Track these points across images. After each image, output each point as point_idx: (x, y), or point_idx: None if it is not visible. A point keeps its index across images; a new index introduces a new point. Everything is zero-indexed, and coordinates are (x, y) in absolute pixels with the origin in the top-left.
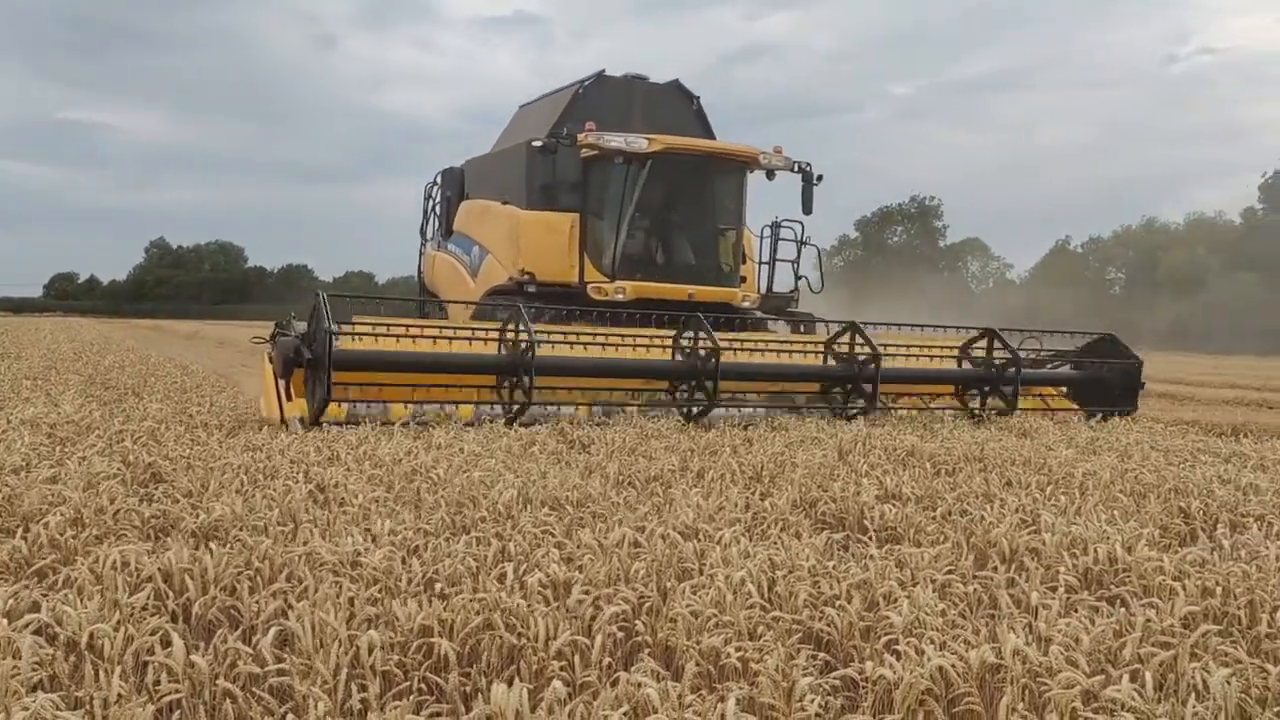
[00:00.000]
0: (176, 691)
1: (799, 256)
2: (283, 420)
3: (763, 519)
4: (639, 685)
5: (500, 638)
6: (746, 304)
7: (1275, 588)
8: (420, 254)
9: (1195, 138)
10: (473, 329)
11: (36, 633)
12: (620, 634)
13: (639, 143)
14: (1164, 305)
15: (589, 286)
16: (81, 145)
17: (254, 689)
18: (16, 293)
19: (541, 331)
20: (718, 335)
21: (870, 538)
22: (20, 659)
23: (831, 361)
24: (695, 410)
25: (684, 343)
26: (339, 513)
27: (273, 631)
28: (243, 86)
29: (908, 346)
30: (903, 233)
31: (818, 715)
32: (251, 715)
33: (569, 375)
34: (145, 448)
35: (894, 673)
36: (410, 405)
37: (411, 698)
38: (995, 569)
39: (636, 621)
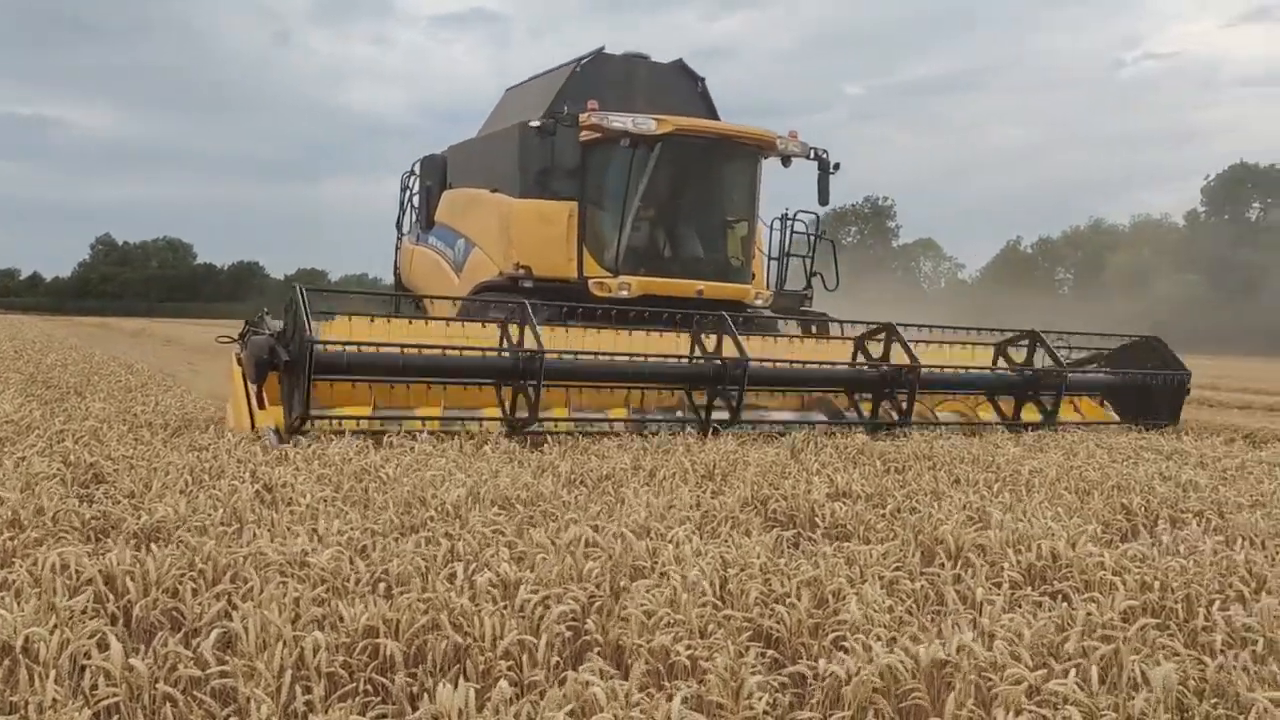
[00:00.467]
0: (114, 695)
1: (813, 251)
2: (254, 431)
3: (714, 517)
4: (586, 684)
5: (447, 638)
6: (759, 302)
7: (1211, 581)
8: (396, 248)
9: (1141, 141)
10: (465, 323)
11: None
12: (569, 633)
13: (647, 124)
14: (1111, 305)
15: (590, 282)
16: (27, 139)
17: (195, 692)
18: None
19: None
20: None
21: (820, 535)
22: None
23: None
24: (716, 423)
25: (699, 345)
26: (286, 512)
27: (215, 633)
28: (195, 81)
29: (939, 346)
30: (856, 233)
31: (766, 713)
32: (192, 718)
33: (580, 381)
34: (87, 448)
35: (843, 669)
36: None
37: (357, 699)
38: (942, 566)
39: (587, 620)
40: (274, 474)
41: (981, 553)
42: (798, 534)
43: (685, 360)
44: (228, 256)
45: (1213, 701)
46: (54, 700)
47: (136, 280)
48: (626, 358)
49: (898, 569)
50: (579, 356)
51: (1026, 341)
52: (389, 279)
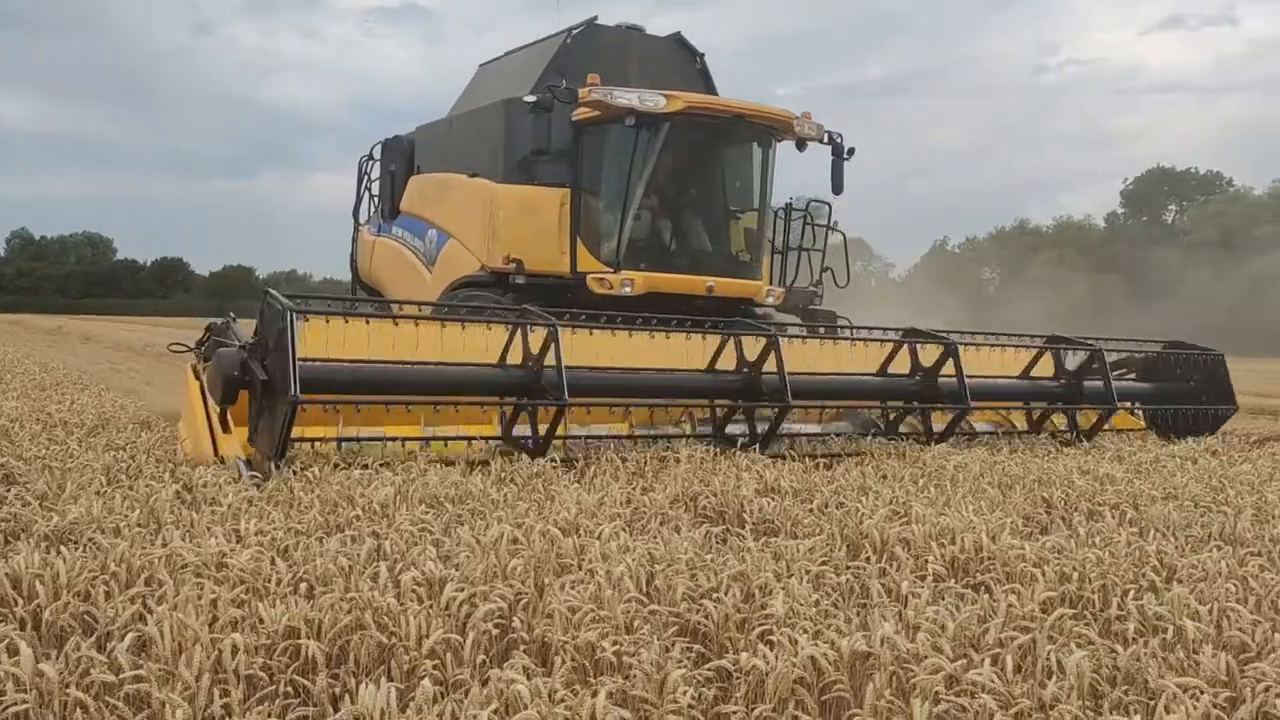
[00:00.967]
0: (23, 702)
1: (825, 244)
2: (218, 459)
3: (643, 514)
4: (510, 682)
5: (371, 637)
6: (770, 300)
7: (1126, 572)
8: (354, 240)
9: (1064, 144)
10: (465, 324)
11: None
12: (496, 631)
13: (654, 100)
14: (1036, 305)
15: (589, 278)
16: None
17: (108, 698)
18: None
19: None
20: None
21: (749, 530)
22: None
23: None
24: (747, 440)
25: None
26: (207, 512)
27: (129, 637)
28: (115, 73)
29: (975, 350)
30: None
31: (691, 706)
32: None
33: (603, 395)
34: None
35: (766, 663)
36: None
37: (277, 701)
38: (868, 559)
39: (513, 618)
40: (194, 474)
41: (907, 546)
42: (726, 530)
43: (725, 372)
44: (150, 252)
45: (1124, 688)
46: None
47: (55, 276)
48: (659, 371)
49: (824, 563)
50: (597, 369)
51: (1061, 349)
52: (319, 274)
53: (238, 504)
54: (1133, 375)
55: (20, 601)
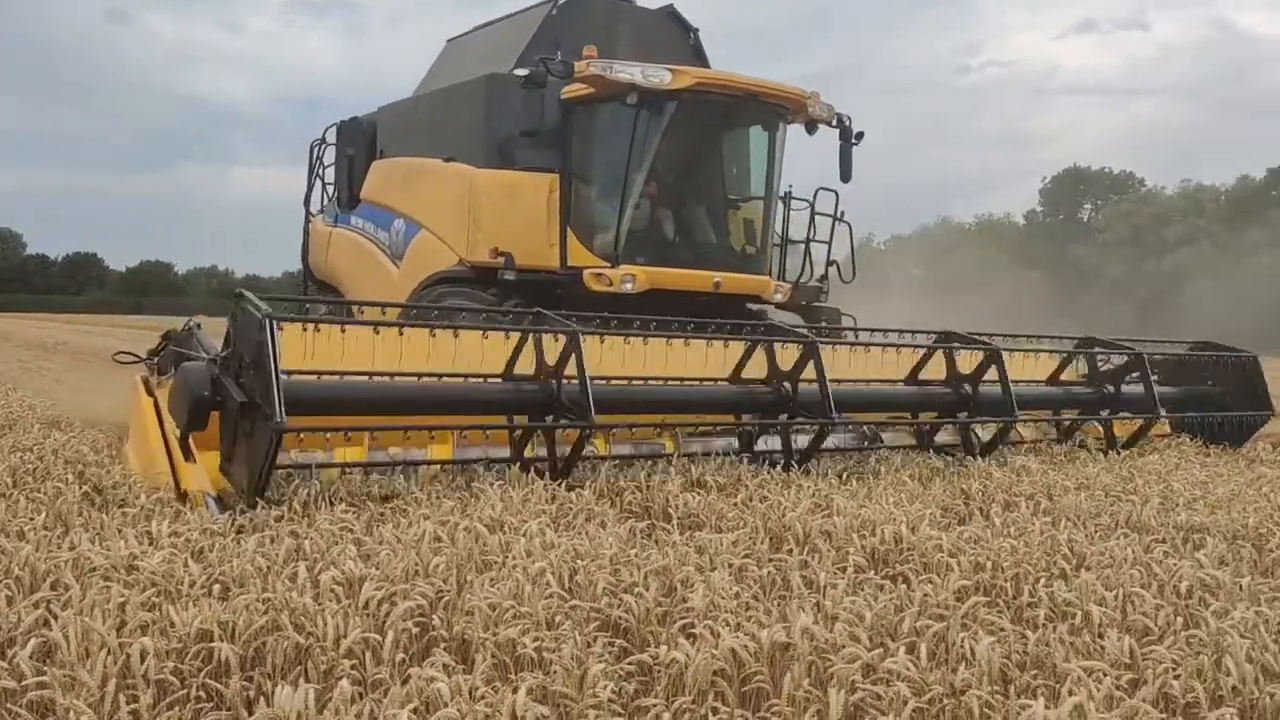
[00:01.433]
0: None
1: (832, 236)
2: (180, 492)
3: (569, 510)
4: (430, 680)
5: (288, 638)
6: (779, 297)
7: (1039, 560)
8: (306, 232)
9: (985, 144)
10: (458, 330)
11: None
12: (416, 630)
13: (659, 76)
14: (959, 301)
15: (586, 273)
16: None
17: (10, 705)
18: None
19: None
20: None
21: (674, 525)
22: None
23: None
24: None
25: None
26: (118, 514)
27: (32, 643)
28: (25, 62)
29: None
30: None
31: (611, 700)
32: None
33: (631, 412)
34: None
35: (686, 656)
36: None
37: (188, 706)
38: (790, 552)
39: (434, 616)
40: (104, 475)
41: (828, 538)
42: (651, 524)
43: (753, 382)
44: (62, 247)
45: (1033, 673)
46: None
47: None
48: (698, 382)
49: (747, 556)
50: (632, 382)
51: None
52: (241, 270)
53: (150, 505)
54: (1157, 378)
55: None
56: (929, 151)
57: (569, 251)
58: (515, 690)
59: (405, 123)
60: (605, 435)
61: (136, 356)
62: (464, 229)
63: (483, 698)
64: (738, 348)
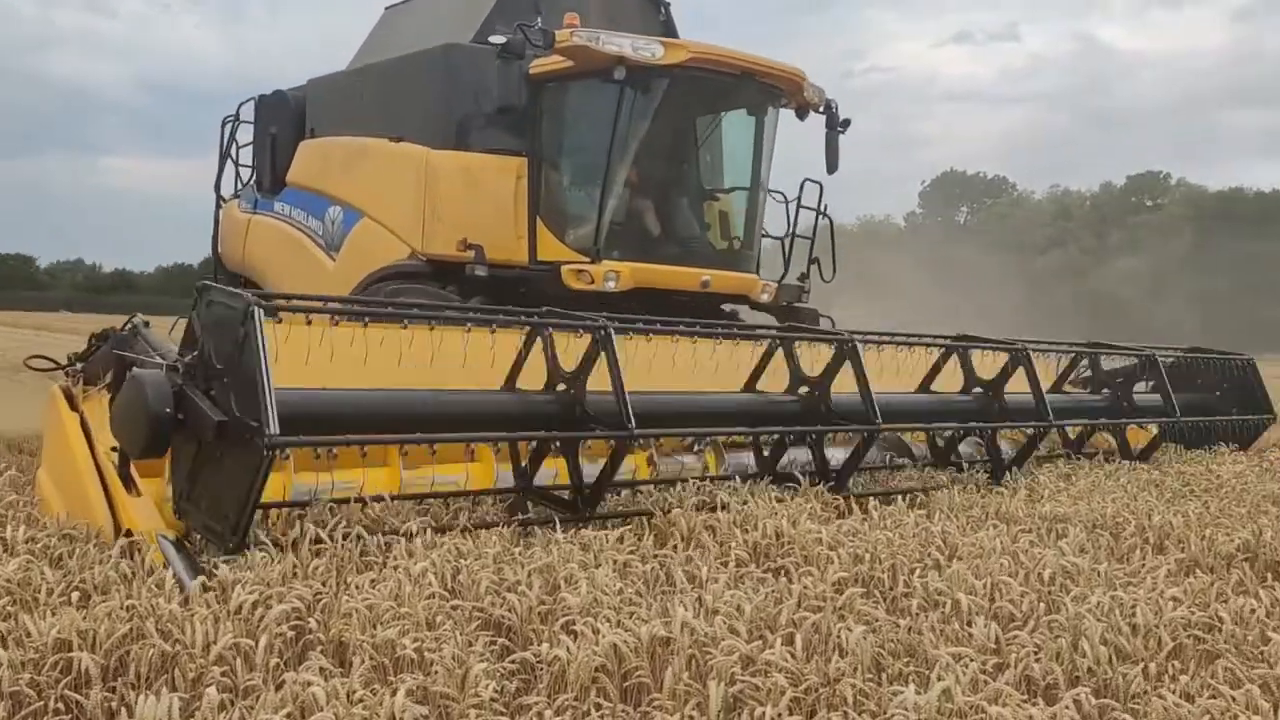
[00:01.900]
0: None
1: (815, 231)
2: (121, 534)
3: (454, 509)
4: (306, 685)
5: (152, 646)
6: (765, 297)
7: (913, 552)
8: (216, 220)
9: (870, 147)
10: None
11: None
12: (292, 634)
13: (650, 49)
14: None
15: (565, 269)
16: None
17: None
18: None
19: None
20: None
21: (559, 523)
22: None
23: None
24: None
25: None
26: None
27: None
28: None
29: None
30: None
31: (493, 699)
32: None
33: (672, 424)
34: None
35: (568, 653)
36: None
37: (47, 718)
38: (675, 548)
39: (310, 619)
40: None
41: (712, 533)
42: (537, 523)
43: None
44: None
45: (905, 660)
46: None
47: None
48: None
49: (632, 553)
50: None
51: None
52: (111, 265)
53: (2, 509)
54: (1152, 383)
55: None
56: (814, 154)
57: (539, 244)
58: (394, 692)
59: (342, 98)
60: (646, 455)
61: (54, 362)
62: (417, 218)
63: (360, 701)
64: (741, 351)
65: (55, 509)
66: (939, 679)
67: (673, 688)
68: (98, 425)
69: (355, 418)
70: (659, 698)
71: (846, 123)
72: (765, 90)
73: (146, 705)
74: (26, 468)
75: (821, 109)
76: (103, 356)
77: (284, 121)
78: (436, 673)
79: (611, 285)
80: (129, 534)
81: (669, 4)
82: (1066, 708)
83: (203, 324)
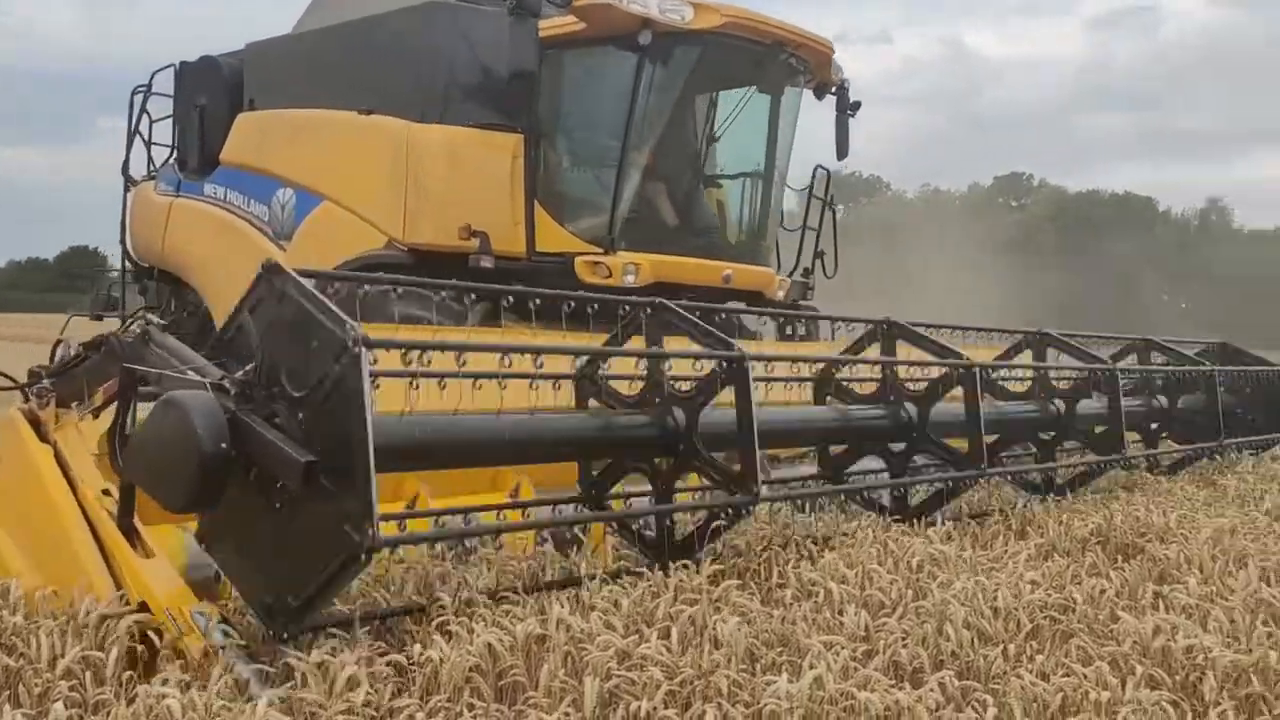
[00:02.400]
0: None
1: (821, 221)
2: (132, 607)
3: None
4: (160, 698)
5: None
6: (781, 294)
7: (789, 543)
8: (125, 204)
9: None
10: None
11: None
12: (141, 646)
13: (679, 11)
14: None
15: (579, 261)
16: None
17: None
18: None
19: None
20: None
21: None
22: None
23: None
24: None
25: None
26: None
27: None
28: None
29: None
30: None
31: (366, 704)
32: None
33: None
34: None
35: (441, 653)
36: None
37: None
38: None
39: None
40: None
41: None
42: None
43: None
44: None
45: (778, 650)
46: None
47: None
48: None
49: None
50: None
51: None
52: None
53: None
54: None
55: None
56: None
57: (537, 233)
58: (252, 700)
59: (292, 65)
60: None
61: (11, 380)
62: (397, 202)
63: (219, 713)
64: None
65: (16, 573)
66: (810, 667)
67: (549, 685)
68: (78, 461)
69: (455, 446)
70: (534, 696)
71: (857, 105)
72: (795, 63)
73: None
74: None
75: (834, 90)
76: (91, 370)
77: (215, 92)
78: (304, 678)
79: (630, 279)
80: (143, 609)
81: None
82: (931, 690)
83: (263, 323)
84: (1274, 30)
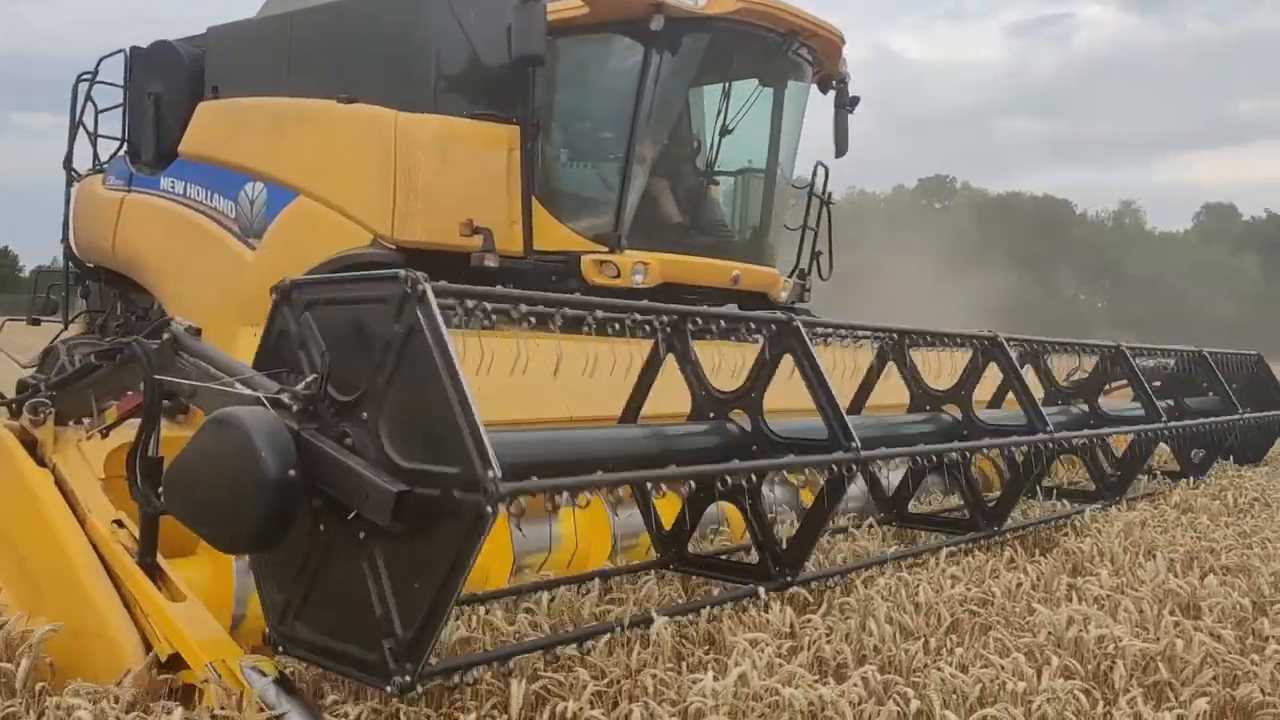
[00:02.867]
0: None
1: (820, 220)
2: (163, 663)
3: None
4: (70, 710)
5: None
6: (784, 295)
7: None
8: (68, 200)
9: None
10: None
11: None
12: (50, 660)
13: None
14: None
15: (586, 260)
16: None
17: None
18: None
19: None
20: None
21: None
22: None
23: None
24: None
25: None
26: None
27: None
28: None
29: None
30: None
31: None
32: None
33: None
34: None
35: None
36: None
37: None
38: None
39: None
40: None
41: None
42: None
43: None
44: None
45: (705, 648)
46: None
47: None
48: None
49: None
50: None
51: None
52: None
53: None
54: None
55: None
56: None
57: (535, 230)
58: (170, 712)
59: (259, 51)
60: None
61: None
62: (385, 197)
63: None
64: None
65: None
66: (736, 665)
67: (475, 689)
68: (84, 488)
69: (571, 463)
70: (460, 698)
71: (855, 100)
72: (806, 53)
73: None
74: None
75: (835, 84)
76: (102, 381)
77: (172, 79)
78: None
79: (639, 279)
80: (174, 663)
81: None
82: (854, 685)
83: (317, 337)
84: (1183, 39)
